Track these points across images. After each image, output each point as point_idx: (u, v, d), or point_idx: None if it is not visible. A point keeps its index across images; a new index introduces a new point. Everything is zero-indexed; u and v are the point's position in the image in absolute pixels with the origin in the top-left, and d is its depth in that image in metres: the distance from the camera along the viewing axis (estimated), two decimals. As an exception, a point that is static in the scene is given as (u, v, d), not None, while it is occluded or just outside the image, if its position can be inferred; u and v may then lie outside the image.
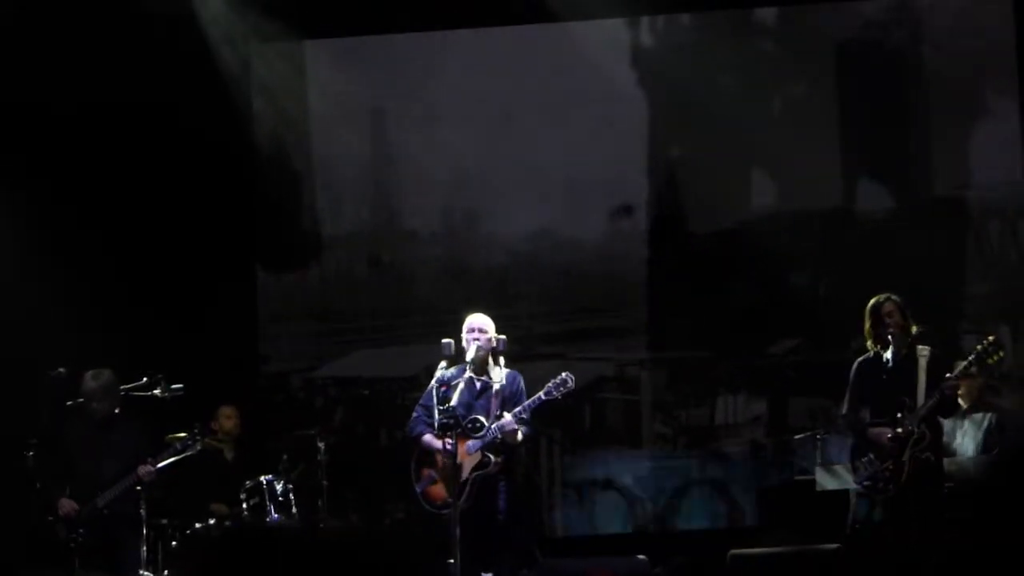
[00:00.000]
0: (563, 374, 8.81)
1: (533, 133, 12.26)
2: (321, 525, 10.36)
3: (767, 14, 12.25)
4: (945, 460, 9.27)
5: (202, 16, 11.94)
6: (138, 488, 9.44)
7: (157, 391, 9.74)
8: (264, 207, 12.54)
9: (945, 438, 9.45)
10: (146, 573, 9.45)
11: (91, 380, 9.61)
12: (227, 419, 11.02)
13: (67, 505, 9.45)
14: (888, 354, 9.02)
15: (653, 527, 12.00)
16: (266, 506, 10.17)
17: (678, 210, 12.23)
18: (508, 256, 12.29)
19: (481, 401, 8.91)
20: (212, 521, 10.07)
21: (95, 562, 9.40)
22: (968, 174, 11.95)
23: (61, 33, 11.39)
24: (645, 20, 12.26)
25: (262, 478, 10.25)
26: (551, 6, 11.84)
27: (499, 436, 8.83)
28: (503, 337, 8.99)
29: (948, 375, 8.97)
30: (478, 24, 12.30)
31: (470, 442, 8.80)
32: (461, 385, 8.80)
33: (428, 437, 8.92)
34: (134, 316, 11.16)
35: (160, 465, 9.51)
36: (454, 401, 8.67)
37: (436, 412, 8.71)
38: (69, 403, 9.68)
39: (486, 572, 8.79)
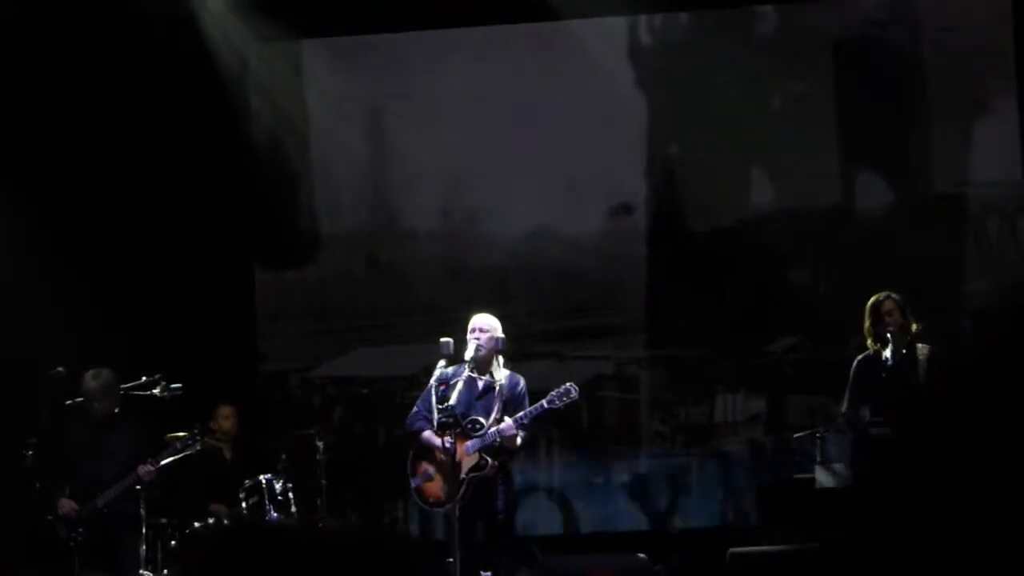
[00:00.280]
0: (567, 384, 8.81)
1: (531, 132, 12.26)
2: (320, 524, 10.36)
3: (766, 12, 12.24)
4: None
5: (201, 16, 11.94)
6: (138, 488, 9.43)
7: (156, 391, 9.73)
8: (262, 206, 12.54)
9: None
10: (145, 572, 9.45)
11: (91, 380, 9.61)
12: (226, 419, 11.04)
13: (67, 504, 9.45)
14: (888, 352, 9.02)
15: (652, 526, 11.99)
16: (265, 505, 10.17)
17: (677, 208, 12.22)
18: (507, 255, 12.28)
19: (481, 401, 8.91)
20: (211, 520, 10.07)
21: (95, 561, 9.39)
22: (967, 172, 11.94)
23: (61, 33, 11.38)
24: (644, 18, 12.25)
25: (261, 477, 10.26)
26: (550, 4, 11.83)
27: (498, 440, 8.83)
28: (502, 336, 8.99)
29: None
30: (477, 23, 12.29)
31: (468, 442, 8.80)
32: (460, 384, 8.81)
33: (428, 434, 8.91)
34: (133, 315, 11.16)
35: (160, 464, 9.50)
36: (453, 400, 8.67)
37: (435, 411, 8.71)
38: (68, 402, 9.68)
39: (485, 571, 8.79)
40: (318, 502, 10.52)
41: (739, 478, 11.90)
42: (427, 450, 8.98)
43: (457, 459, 8.65)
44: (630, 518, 12.05)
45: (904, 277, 10.22)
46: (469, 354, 8.85)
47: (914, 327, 9.12)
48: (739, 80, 12.01)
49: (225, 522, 10.14)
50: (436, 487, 8.92)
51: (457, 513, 8.55)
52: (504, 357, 9.02)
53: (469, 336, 8.91)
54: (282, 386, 12.44)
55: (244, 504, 10.21)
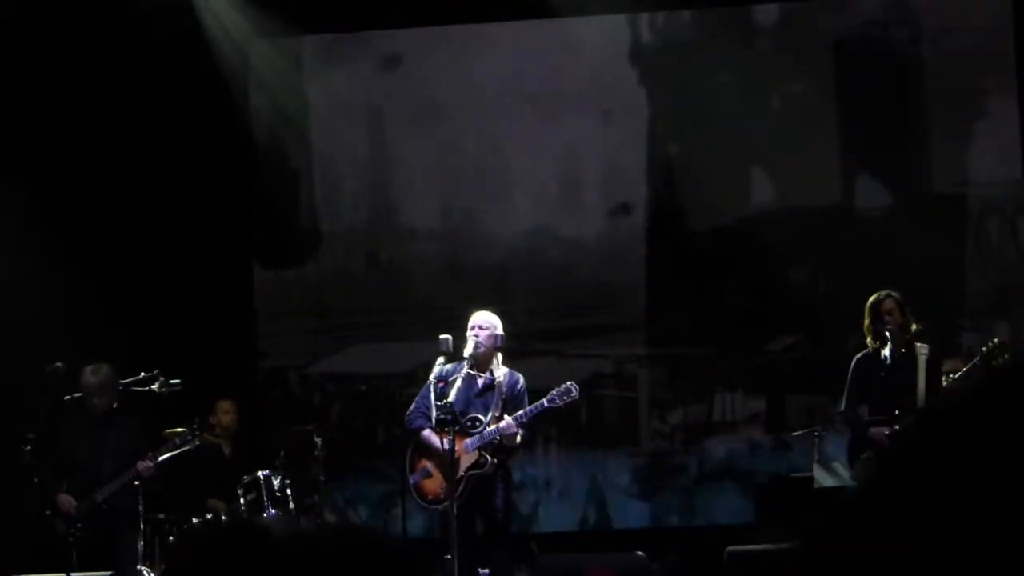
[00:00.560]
0: (568, 383, 8.77)
1: (532, 130, 12.26)
2: (318, 524, 10.35)
3: (767, 11, 12.25)
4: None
5: (201, 12, 11.94)
6: (136, 483, 9.42)
7: (155, 386, 9.73)
8: (262, 204, 12.54)
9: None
10: (144, 568, 9.44)
11: (90, 375, 9.60)
12: (225, 414, 11.03)
13: (65, 500, 9.44)
14: (887, 351, 9.01)
15: (650, 524, 11.99)
16: (263, 502, 10.17)
17: (677, 208, 12.22)
18: (506, 254, 12.28)
19: (480, 398, 8.90)
20: (209, 516, 10.07)
21: (93, 557, 9.39)
22: (967, 171, 11.95)
23: (61, 33, 11.39)
24: (644, 17, 12.26)
25: (259, 473, 10.25)
26: (551, 2, 11.83)
27: (498, 438, 8.81)
28: (501, 333, 8.98)
29: (953, 375, 8.96)
30: (477, 20, 12.30)
31: (468, 440, 8.79)
32: (459, 382, 8.79)
33: (427, 432, 8.89)
34: (133, 312, 11.16)
35: (159, 460, 9.50)
36: (451, 397, 8.65)
37: (434, 408, 8.70)
38: (67, 398, 9.67)
39: (483, 569, 8.78)
40: (316, 499, 10.51)
41: (738, 477, 11.90)
42: (426, 447, 8.97)
43: (456, 456, 8.65)
44: (629, 516, 12.05)
45: (904, 277, 10.21)
46: (468, 351, 8.82)
47: (913, 326, 9.12)
48: (739, 79, 12.02)
49: (222, 518, 10.13)
50: (435, 484, 8.90)
51: (455, 511, 8.54)
52: (503, 355, 9.01)
53: (469, 333, 8.89)
54: (281, 383, 12.43)
55: (242, 500, 10.20)
